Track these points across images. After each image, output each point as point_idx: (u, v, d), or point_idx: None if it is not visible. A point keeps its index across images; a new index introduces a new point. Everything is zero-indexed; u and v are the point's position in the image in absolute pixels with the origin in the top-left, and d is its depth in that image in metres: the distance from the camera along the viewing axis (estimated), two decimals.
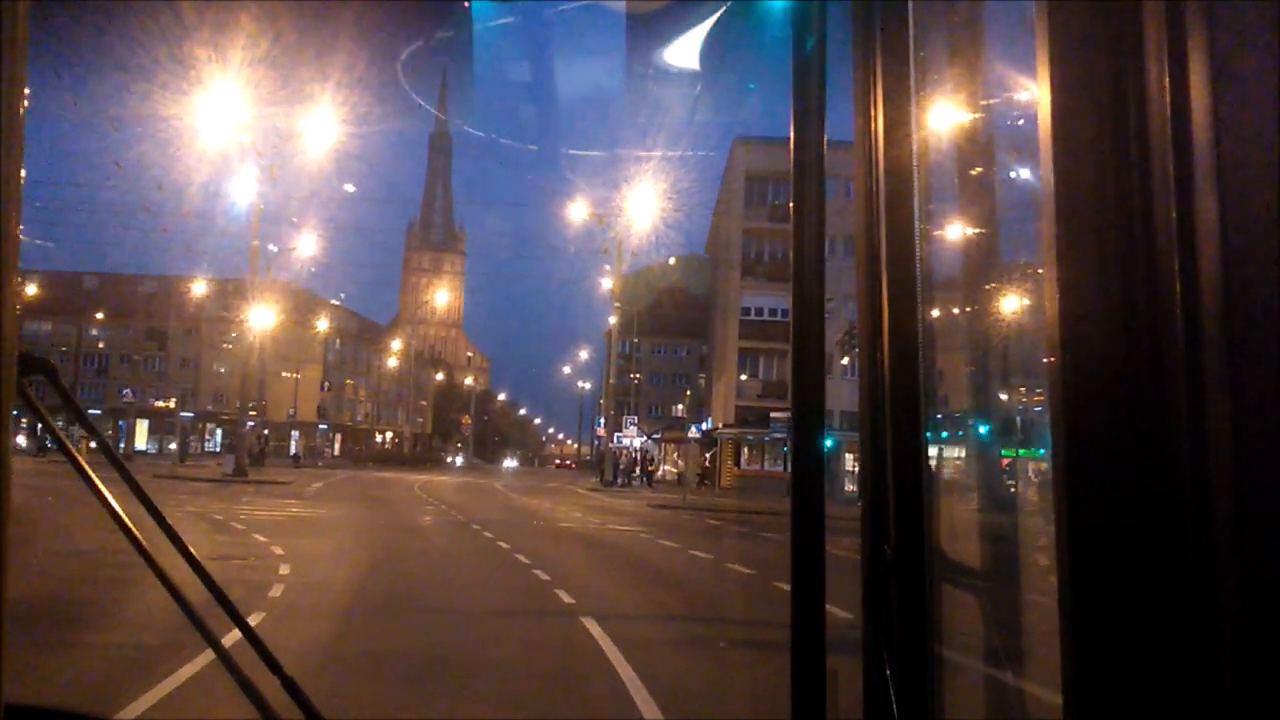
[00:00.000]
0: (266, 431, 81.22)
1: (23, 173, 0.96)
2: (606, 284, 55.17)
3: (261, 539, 17.47)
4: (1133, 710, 0.78)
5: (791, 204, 1.27)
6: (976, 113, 1.49)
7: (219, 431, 76.68)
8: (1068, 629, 0.81)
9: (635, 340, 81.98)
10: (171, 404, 75.60)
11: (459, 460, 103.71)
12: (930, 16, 1.40)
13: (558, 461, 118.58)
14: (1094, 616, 0.80)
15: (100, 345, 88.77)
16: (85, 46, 2.15)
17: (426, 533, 22.06)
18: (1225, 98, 0.74)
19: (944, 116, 1.49)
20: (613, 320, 54.25)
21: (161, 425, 72.59)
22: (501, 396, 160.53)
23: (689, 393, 71.00)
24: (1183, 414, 0.76)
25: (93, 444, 1.81)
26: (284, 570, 13.80)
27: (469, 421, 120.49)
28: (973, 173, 1.58)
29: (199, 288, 63.47)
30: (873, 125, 1.31)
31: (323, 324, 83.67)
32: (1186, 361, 0.76)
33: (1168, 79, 0.78)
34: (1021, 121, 1.08)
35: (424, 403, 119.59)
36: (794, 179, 1.25)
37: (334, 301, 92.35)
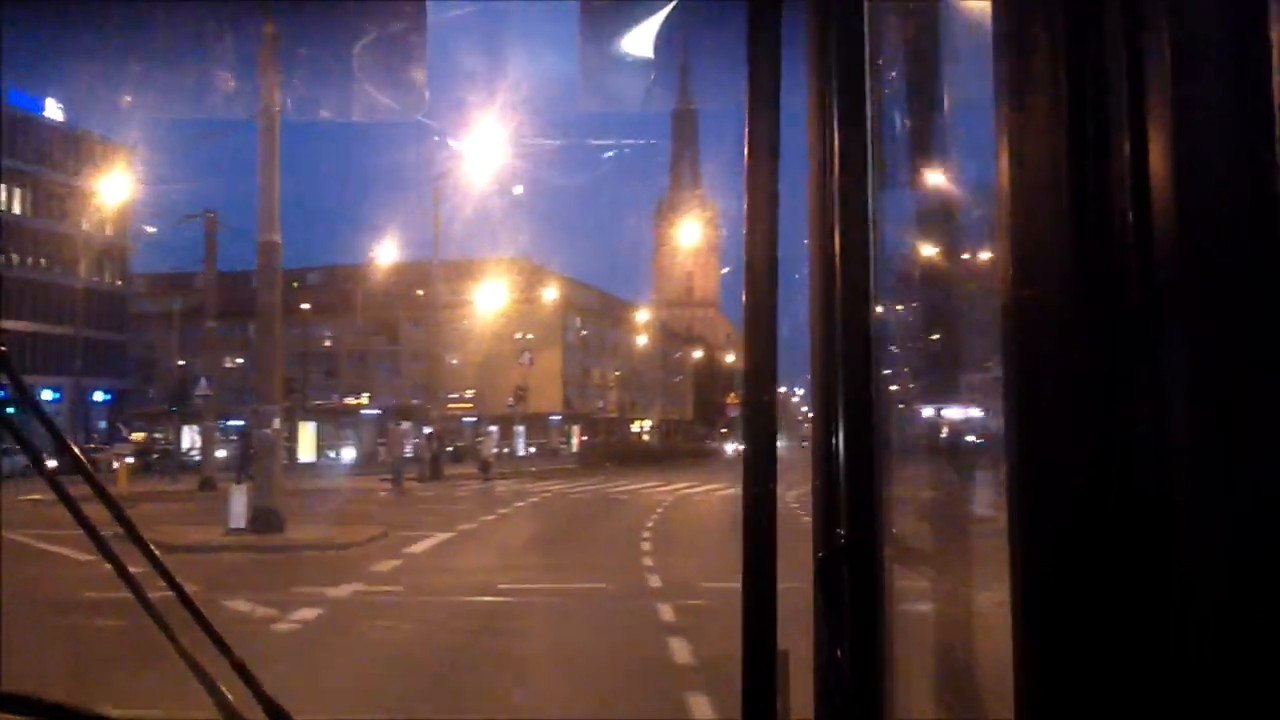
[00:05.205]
0: (494, 429, 62.23)
1: None
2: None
3: None
4: (1084, 684, 0.74)
5: (746, 202, 1.17)
6: (931, 105, 1.43)
7: (424, 431, 57.49)
8: (1020, 607, 0.77)
9: None
10: (360, 400, 57.93)
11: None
12: (886, 13, 1.36)
13: None
14: (1046, 590, 0.76)
15: (326, 344, 74.76)
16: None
17: None
18: (1184, 70, 0.70)
19: (899, 107, 1.44)
20: None
21: (344, 426, 54.05)
22: None
23: None
24: (1140, 380, 0.72)
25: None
26: None
27: (735, 400, 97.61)
28: (928, 166, 1.51)
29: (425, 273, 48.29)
30: (827, 115, 1.26)
31: (550, 295, 64.36)
32: (1143, 323, 0.72)
33: (1125, 61, 0.74)
34: (977, 112, 1.00)
35: (678, 379, 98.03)
36: (747, 177, 1.16)
37: (584, 282, 75.14)
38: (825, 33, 1.26)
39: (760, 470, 1.12)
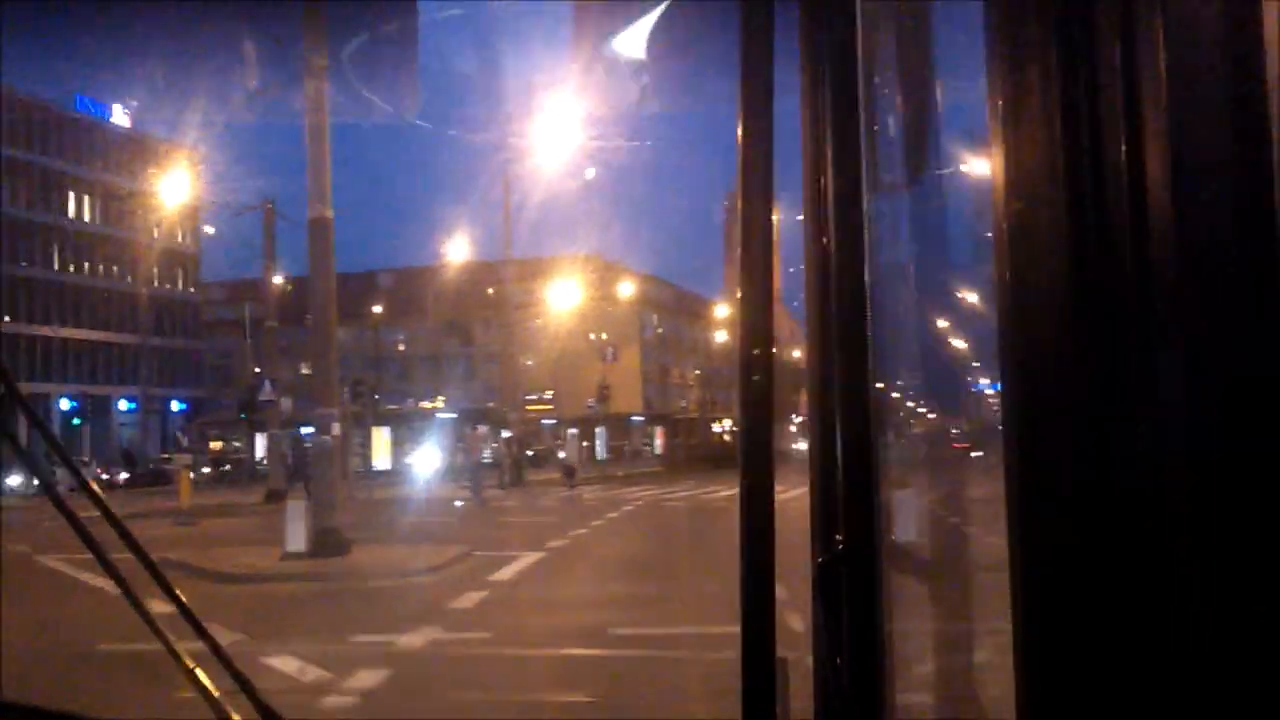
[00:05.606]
0: (573, 431, 60.24)
1: None
2: None
3: None
4: (1084, 686, 0.75)
5: (740, 200, 1.17)
6: (925, 108, 1.44)
7: (503, 434, 55.57)
8: (1019, 609, 0.77)
9: None
10: (435, 403, 56.13)
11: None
12: (878, 15, 1.35)
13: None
14: (1045, 592, 0.76)
15: (400, 347, 73.84)
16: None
17: None
18: (1179, 70, 0.71)
19: (892, 109, 1.43)
20: None
21: (419, 431, 52.07)
22: None
23: None
24: (1138, 383, 0.73)
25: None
26: None
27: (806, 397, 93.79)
28: (923, 167, 1.50)
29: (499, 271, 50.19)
30: (821, 116, 1.25)
31: (625, 292, 62.08)
32: (1140, 324, 0.73)
33: (1119, 62, 0.74)
34: (971, 116, 1.06)
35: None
36: (741, 178, 1.15)
37: (659, 277, 73.07)
38: (818, 33, 1.25)
39: (757, 470, 1.08)
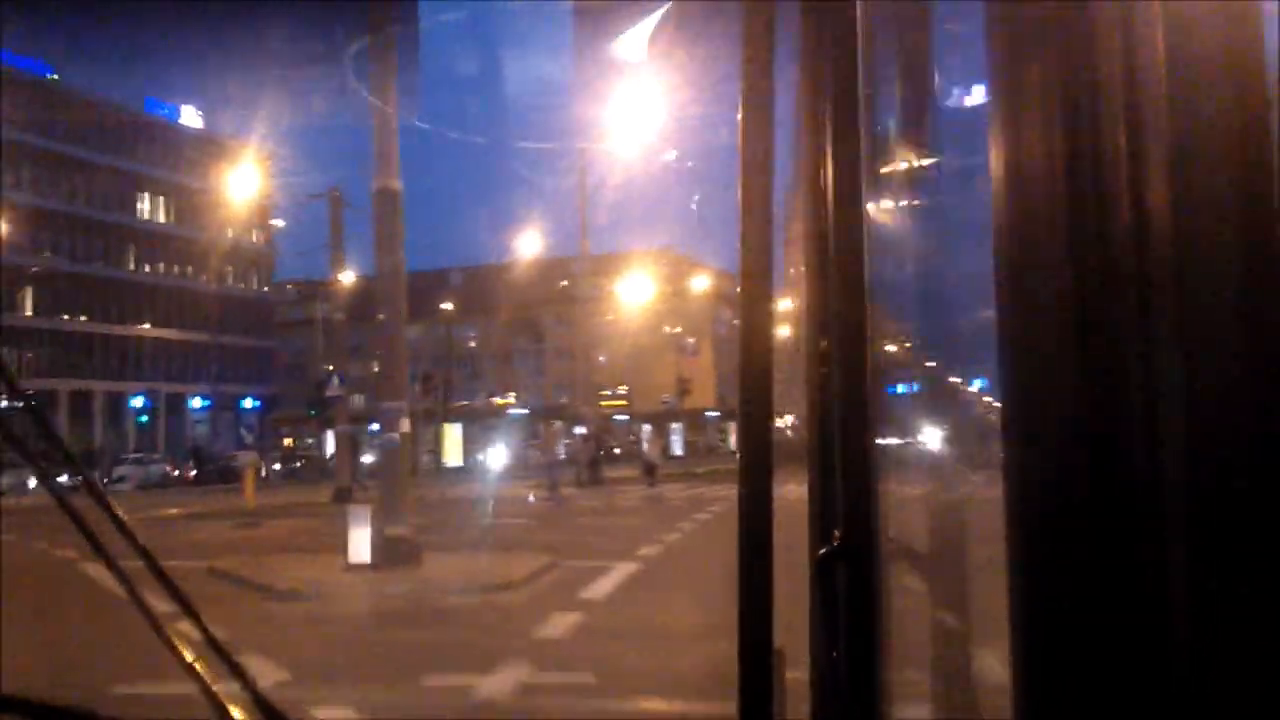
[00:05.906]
0: (648, 427, 58.45)
1: None
2: None
3: None
4: (1083, 690, 0.74)
5: (740, 198, 1.18)
6: (925, 106, 1.44)
7: (577, 430, 53.97)
8: (1017, 606, 0.77)
9: None
10: (507, 399, 54.78)
11: None
12: (879, 13, 1.35)
13: None
14: (1043, 589, 0.76)
15: (472, 344, 72.83)
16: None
17: None
18: (1180, 68, 0.71)
19: (892, 107, 1.44)
20: None
21: (491, 428, 50.75)
22: None
23: None
24: (1137, 382, 0.73)
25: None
26: None
27: None
28: (922, 165, 1.53)
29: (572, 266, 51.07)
30: (820, 114, 1.25)
31: (699, 286, 60.16)
32: (1139, 322, 0.73)
33: (1119, 61, 0.74)
34: (970, 114, 1.07)
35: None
36: (741, 176, 1.16)
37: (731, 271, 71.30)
38: (819, 30, 1.25)
39: (756, 465, 1.08)
